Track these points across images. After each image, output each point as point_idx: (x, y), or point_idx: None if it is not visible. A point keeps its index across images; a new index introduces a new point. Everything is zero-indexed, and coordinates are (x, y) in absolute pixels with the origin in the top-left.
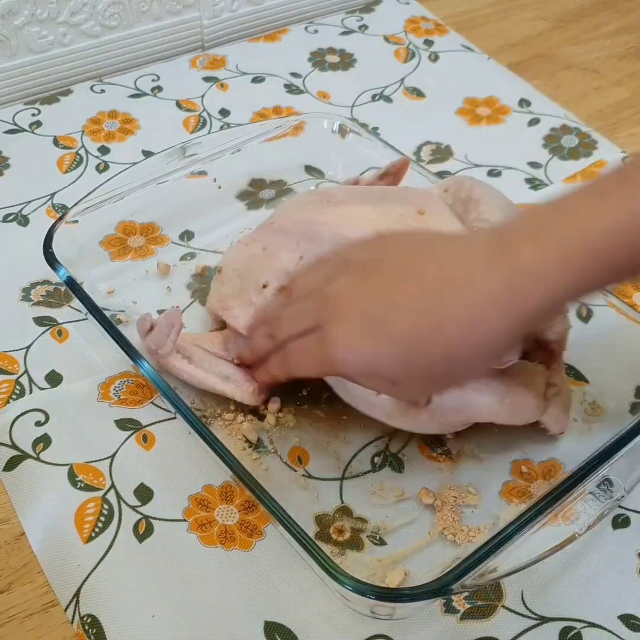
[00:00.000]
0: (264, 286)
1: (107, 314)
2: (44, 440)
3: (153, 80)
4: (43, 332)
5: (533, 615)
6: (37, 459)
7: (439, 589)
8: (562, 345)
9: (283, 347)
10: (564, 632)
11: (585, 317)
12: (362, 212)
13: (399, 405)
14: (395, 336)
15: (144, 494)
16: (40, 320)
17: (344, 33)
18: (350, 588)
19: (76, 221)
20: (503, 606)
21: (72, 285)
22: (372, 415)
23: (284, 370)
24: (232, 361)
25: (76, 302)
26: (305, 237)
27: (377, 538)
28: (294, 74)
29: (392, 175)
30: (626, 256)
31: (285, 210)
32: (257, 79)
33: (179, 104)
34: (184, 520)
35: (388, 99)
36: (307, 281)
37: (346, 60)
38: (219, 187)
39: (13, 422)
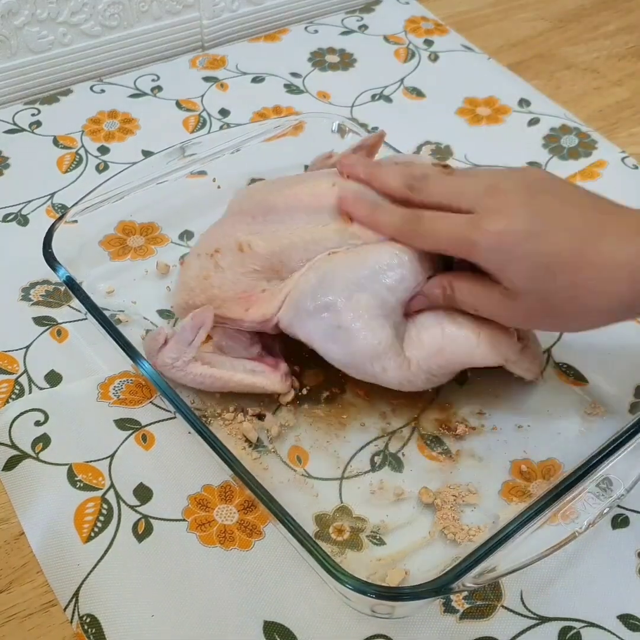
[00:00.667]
0: (216, 251)
1: (107, 313)
2: (44, 440)
3: (153, 80)
4: (43, 332)
5: (532, 615)
6: (37, 458)
7: (439, 588)
8: None
9: (420, 207)
10: (563, 632)
11: None
12: (318, 186)
13: (395, 356)
14: (542, 249)
15: (143, 493)
16: (39, 320)
17: (344, 33)
18: (350, 587)
19: (76, 221)
20: (502, 606)
21: (72, 285)
22: (371, 371)
23: (410, 228)
24: (249, 357)
25: (76, 302)
26: (261, 210)
27: (377, 537)
28: (294, 74)
29: (366, 149)
30: None
31: (236, 201)
32: (257, 79)
33: (178, 104)
34: (184, 520)
35: (388, 99)
36: (469, 173)
37: (346, 60)
38: (219, 187)
39: (12, 422)
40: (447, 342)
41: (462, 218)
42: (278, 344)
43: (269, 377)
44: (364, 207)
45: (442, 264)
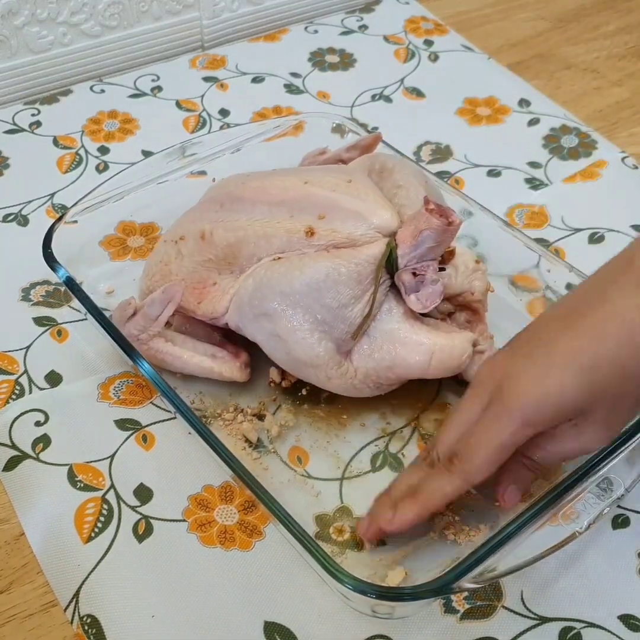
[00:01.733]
0: (181, 238)
1: (107, 314)
2: (44, 441)
3: (153, 80)
4: (43, 332)
5: (533, 616)
6: (37, 459)
7: (439, 588)
8: (484, 305)
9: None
10: (564, 632)
11: None
12: (288, 180)
13: (336, 367)
14: (575, 366)
15: (143, 494)
16: (40, 321)
17: (344, 33)
18: (351, 587)
19: (76, 221)
20: (503, 606)
21: (72, 285)
22: (314, 378)
23: (460, 475)
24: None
25: (76, 302)
26: (229, 199)
27: None
28: (294, 74)
29: (360, 149)
30: None
31: (211, 188)
32: (257, 79)
33: (178, 104)
34: (184, 520)
35: (388, 99)
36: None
37: (346, 60)
38: None
39: (13, 422)
40: (399, 362)
41: (486, 419)
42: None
43: (228, 363)
44: (385, 509)
45: (385, 273)
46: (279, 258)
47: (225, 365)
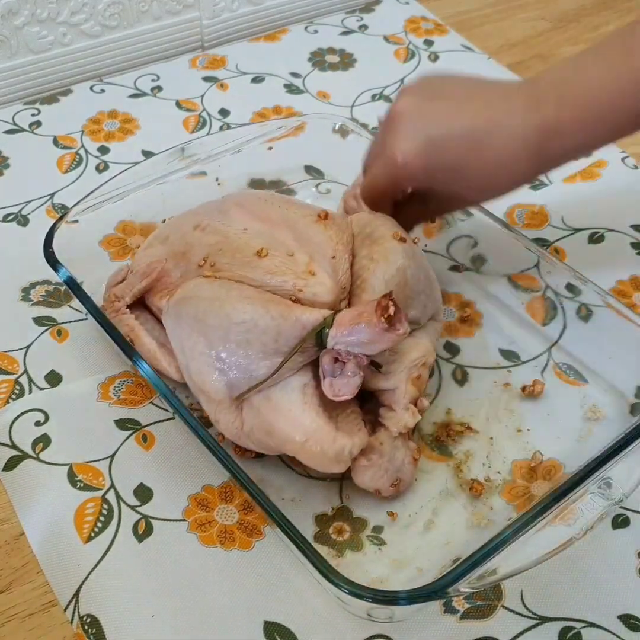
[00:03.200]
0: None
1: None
2: (44, 440)
3: (153, 80)
4: (43, 332)
5: (533, 615)
6: (37, 459)
7: (436, 591)
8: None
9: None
10: (564, 632)
11: (585, 318)
12: (301, 210)
13: (225, 411)
14: (450, 141)
15: (143, 493)
16: (40, 320)
17: (344, 33)
18: (346, 591)
19: (76, 221)
20: (503, 606)
21: (72, 285)
22: (206, 408)
23: (367, 185)
24: None
25: (76, 302)
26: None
27: (377, 538)
28: (294, 74)
29: None
30: (626, 118)
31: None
32: (257, 79)
33: (178, 104)
34: (184, 520)
35: (388, 99)
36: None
37: (346, 60)
38: (219, 184)
39: (13, 422)
40: (276, 431)
41: (381, 154)
42: None
43: (173, 364)
44: None
45: (314, 344)
46: (208, 277)
47: (171, 365)
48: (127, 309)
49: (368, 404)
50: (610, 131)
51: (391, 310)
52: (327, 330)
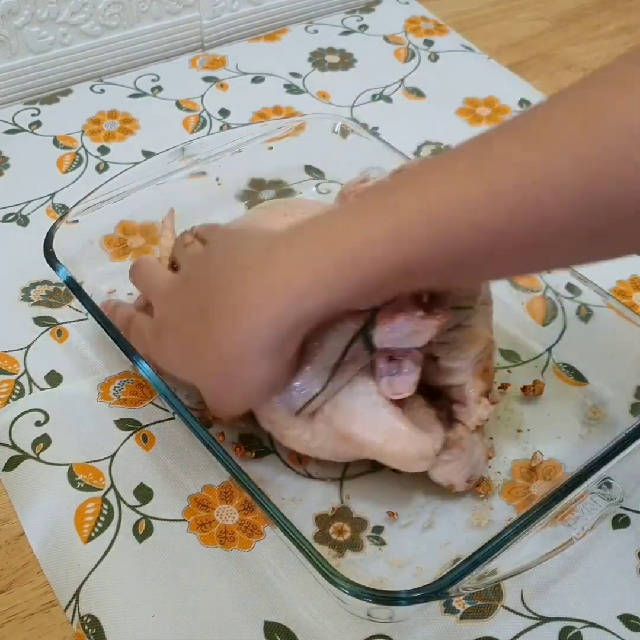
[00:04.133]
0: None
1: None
2: (44, 440)
3: (153, 80)
4: (43, 332)
5: (533, 615)
6: (37, 459)
7: (436, 591)
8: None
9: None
10: (564, 632)
11: (585, 318)
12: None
13: (290, 428)
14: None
15: (143, 493)
16: (40, 320)
17: (344, 33)
18: (346, 591)
19: (76, 221)
20: (503, 606)
21: (73, 285)
22: (271, 431)
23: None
24: None
25: (76, 302)
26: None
27: (377, 538)
28: (294, 74)
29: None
30: (355, 284)
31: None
32: (257, 79)
33: (178, 104)
34: (184, 520)
35: (388, 99)
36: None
37: (346, 60)
38: (219, 184)
39: (13, 422)
40: (354, 437)
41: (150, 331)
42: None
43: None
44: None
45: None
46: None
47: None
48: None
49: (438, 400)
50: (353, 290)
51: (425, 297)
52: (371, 332)
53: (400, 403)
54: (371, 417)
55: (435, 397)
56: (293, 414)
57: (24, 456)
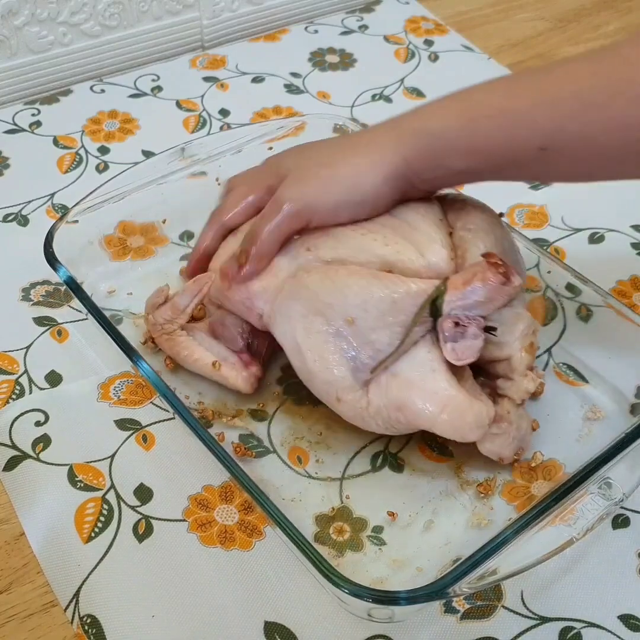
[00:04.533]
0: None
1: (107, 314)
2: (44, 440)
3: (153, 80)
4: (43, 332)
5: (533, 616)
6: (37, 459)
7: (436, 592)
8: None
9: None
10: (564, 632)
11: (585, 318)
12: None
13: (349, 391)
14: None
15: (143, 494)
16: (40, 320)
17: (344, 33)
18: (346, 591)
19: (77, 221)
20: (503, 606)
21: (73, 285)
22: (325, 396)
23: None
24: (231, 349)
25: (76, 302)
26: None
27: (377, 538)
28: (294, 74)
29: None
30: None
31: None
32: (257, 79)
33: (178, 104)
34: (184, 520)
35: (388, 99)
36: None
37: (346, 60)
38: (219, 185)
39: (13, 422)
40: (409, 405)
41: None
42: (267, 352)
43: (236, 370)
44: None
45: (428, 314)
46: (329, 263)
47: (233, 371)
48: (183, 331)
49: (479, 377)
50: (489, 163)
51: (501, 265)
52: (441, 298)
53: (454, 371)
54: (430, 385)
55: (476, 374)
56: (356, 375)
57: (24, 456)
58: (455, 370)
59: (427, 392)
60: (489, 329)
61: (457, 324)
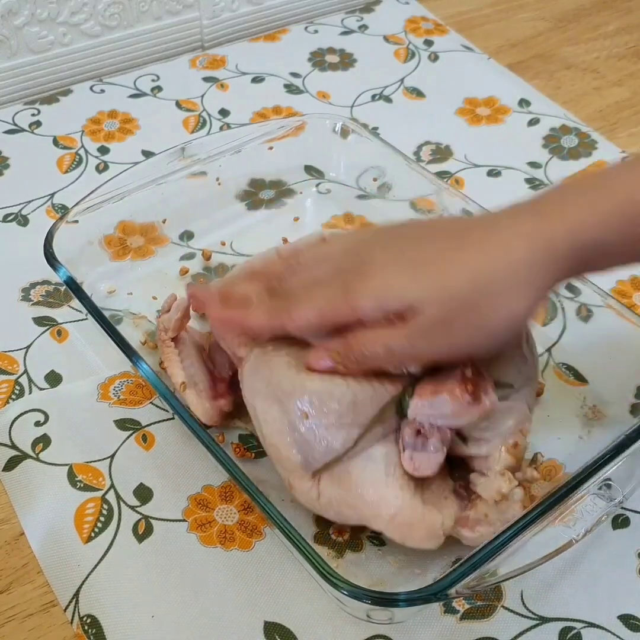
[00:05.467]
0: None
1: (107, 314)
2: (44, 441)
3: (153, 80)
4: (43, 332)
5: (533, 616)
6: (37, 459)
7: (436, 593)
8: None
9: (291, 296)
10: (564, 632)
11: (585, 318)
12: None
13: (299, 479)
14: (421, 262)
15: (143, 494)
16: (40, 320)
17: (344, 33)
18: (345, 592)
19: (76, 221)
20: (503, 606)
21: (72, 285)
22: (281, 474)
23: (279, 314)
24: (214, 373)
25: (76, 302)
26: None
27: (377, 539)
28: (294, 74)
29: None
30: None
31: None
32: (257, 79)
33: (178, 104)
34: (184, 520)
35: (388, 99)
36: (313, 253)
37: (346, 60)
38: (219, 184)
39: (13, 422)
40: (361, 507)
41: (334, 284)
42: None
43: (200, 398)
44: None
45: (394, 414)
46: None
47: (196, 399)
48: (171, 342)
49: (458, 469)
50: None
51: (474, 381)
52: (408, 399)
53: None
54: (381, 490)
55: (456, 465)
56: (307, 467)
57: (23, 456)
58: None
59: (377, 497)
60: (460, 437)
61: (419, 431)
